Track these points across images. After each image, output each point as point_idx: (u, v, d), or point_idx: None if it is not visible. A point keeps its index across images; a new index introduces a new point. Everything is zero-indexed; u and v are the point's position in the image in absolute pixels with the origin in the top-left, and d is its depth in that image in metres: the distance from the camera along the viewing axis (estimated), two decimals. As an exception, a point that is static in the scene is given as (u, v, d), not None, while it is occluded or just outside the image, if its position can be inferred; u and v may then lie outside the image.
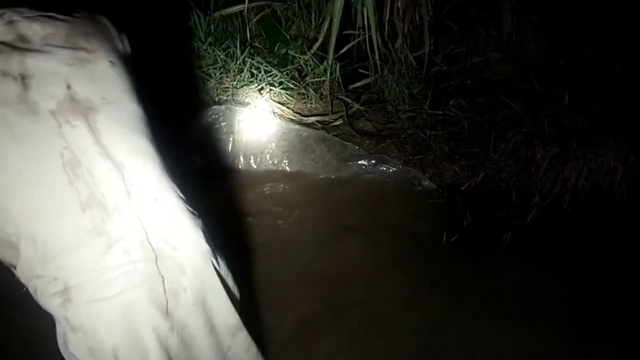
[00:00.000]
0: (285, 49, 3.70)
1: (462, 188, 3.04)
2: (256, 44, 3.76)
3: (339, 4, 3.23)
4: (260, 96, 3.46)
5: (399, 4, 3.53)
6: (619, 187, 2.86)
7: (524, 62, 3.38)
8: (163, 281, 1.34)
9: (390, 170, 3.15)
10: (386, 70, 3.44)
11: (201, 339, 1.45)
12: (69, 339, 1.29)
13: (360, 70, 3.58)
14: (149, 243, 1.33)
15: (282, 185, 3.15)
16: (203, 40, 3.68)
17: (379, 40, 3.38)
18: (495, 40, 3.50)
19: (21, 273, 1.27)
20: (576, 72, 3.14)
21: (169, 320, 1.36)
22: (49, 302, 1.25)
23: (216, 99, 3.46)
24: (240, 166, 3.25)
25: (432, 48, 3.51)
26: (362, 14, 3.38)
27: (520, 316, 2.31)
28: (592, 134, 2.96)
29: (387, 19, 3.54)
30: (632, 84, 3.02)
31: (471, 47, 3.53)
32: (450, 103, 3.26)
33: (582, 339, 2.20)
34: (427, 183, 3.10)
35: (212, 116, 3.28)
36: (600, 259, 2.60)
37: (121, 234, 1.30)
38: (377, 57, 3.42)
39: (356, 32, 3.54)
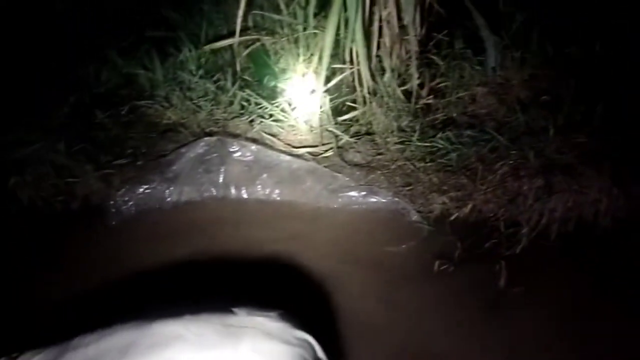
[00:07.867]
0: (274, 82, 3.76)
1: (451, 218, 3.08)
2: (246, 77, 3.82)
3: (329, 39, 3.30)
4: (251, 128, 3.49)
5: (386, 40, 3.64)
6: (603, 219, 2.94)
7: (508, 96, 3.49)
8: None
9: (380, 202, 3.18)
10: (374, 103, 3.51)
11: None
12: None
13: (349, 103, 3.63)
14: None
15: (273, 216, 3.15)
16: (194, 73, 3.74)
17: (367, 74, 3.46)
18: (480, 75, 3.60)
19: None
20: (559, 105, 3.24)
21: None
22: None
23: (207, 131, 3.48)
24: (231, 197, 3.25)
25: (418, 82, 3.59)
26: (351, 48, 3.47)
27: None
28: (576, 166, 3.05)
29: (374, 53, 3.64)
30: (613, 117, 3.14)
31: (457, 82, 3.63)
32: (438, 135, 3.33)
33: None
34: (416, 214, 3.13)
35: (204, 147, 3.29)
36: (590, 288, 2.65)
37: None
38: (365, 90, 3.49)
39: (344, 66, 3.62)
